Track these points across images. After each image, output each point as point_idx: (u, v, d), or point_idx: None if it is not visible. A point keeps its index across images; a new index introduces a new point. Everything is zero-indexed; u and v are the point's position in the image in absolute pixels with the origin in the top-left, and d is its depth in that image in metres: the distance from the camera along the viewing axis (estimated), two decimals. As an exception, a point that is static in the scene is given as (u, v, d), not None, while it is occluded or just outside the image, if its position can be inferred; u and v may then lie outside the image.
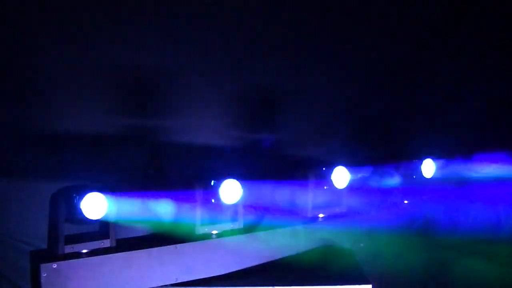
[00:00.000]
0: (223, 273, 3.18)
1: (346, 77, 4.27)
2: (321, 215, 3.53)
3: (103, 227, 2.94)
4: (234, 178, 3.16)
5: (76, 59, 3.53)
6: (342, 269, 3.34)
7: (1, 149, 3.49)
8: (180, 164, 3.84)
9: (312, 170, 3.48)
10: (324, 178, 3.51)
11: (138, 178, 3.81)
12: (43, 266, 2.71)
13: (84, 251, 2.84)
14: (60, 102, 3.56)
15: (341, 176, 3.51)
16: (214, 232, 3.18)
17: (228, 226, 3.22)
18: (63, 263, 2.75)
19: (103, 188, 2.85)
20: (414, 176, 3.91)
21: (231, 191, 3.15)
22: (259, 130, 4.16)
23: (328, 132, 4.32)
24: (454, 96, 4.49)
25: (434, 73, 4.42)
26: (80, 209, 2.78)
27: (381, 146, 4.35)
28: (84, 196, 2.78)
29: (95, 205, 2.81)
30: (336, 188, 3.52)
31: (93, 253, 2.85)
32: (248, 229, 3.26)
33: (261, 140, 4.09)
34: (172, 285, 3.05)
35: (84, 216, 2.80)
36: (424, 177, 3.92)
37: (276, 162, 4.16)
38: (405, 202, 3.91)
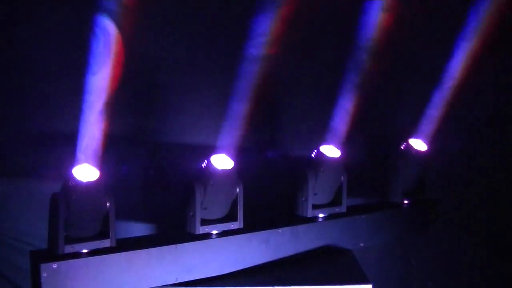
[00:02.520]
0: (223, 273, 3.18)
1: (346, 76, 4.26)
2: (321, 215, 3.53)
3: (103, 227, 2.93)
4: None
5: (77, 59, 3.53)
6: (342, 269, 3.34)
7: (1, 149, 3.49)
8: (180, 164, 3.85)
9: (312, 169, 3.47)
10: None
11: (138, 178, 3.82)
12: (43, 266, 2.71)
13: (84, 251, 2.84)
14: (60, 102, 3.56)
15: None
16: (214, 232, 3.18)
17: (228, 226, 3.22)
18: (63, 263, 2.75)
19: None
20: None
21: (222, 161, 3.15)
22: (259, 129, 4.16)
23: (328, 131, 4.31)
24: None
25: (434, 70, 4.41)
26: (73, 175, 2.80)
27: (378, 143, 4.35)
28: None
29: (86, 171, 2.83)
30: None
31: (93, 253, 2.85)
32: (248, 229, 3.26)
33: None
34: (172, 285, 3.06)
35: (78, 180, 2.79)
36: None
37: (276, 162, 4.17)
38: None
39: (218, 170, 3.12)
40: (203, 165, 3.15)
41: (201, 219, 3.12)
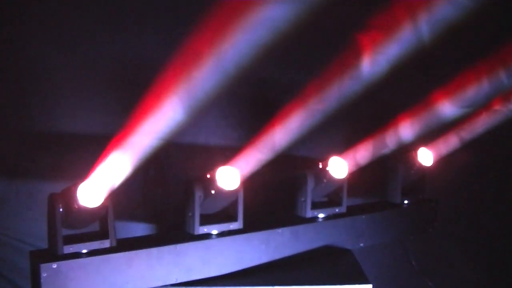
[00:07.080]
0: (223, 273, 3.18)
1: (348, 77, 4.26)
2: (321, 215, 3.53)
3: (103, 227, 2.94)
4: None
5: (77, 59, 3.53)
6: (342, 269, 3.34)
7: (1, 149, 3.49)
8: (180, 164, 3.85)
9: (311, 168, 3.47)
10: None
11: (138, 178, 3.82)
12: (43, 266, 2.71)
13: (84, 251, 2.84)
14: (60, 102, 3.57)
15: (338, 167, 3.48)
16: (214, 232, 3.18)
17: (228, 226, 3.22)
18: (63, 263, 2.76)
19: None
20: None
21: (230, 178, 3.09)
22: (259, 130, 4.15)
23: (329, 131, 4.32)
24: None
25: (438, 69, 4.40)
26: (77, 198, 2.73)
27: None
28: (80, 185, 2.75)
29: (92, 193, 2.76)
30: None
31: (93, 253, 2.85)
32: (248, 229, 3.26)
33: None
34: (172, 285, 3.06)
35: (81, 205, 2.72)
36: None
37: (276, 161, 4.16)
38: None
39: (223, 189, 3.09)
40: (207, 176, 3.11)
41: (200, 219, 3.12)
